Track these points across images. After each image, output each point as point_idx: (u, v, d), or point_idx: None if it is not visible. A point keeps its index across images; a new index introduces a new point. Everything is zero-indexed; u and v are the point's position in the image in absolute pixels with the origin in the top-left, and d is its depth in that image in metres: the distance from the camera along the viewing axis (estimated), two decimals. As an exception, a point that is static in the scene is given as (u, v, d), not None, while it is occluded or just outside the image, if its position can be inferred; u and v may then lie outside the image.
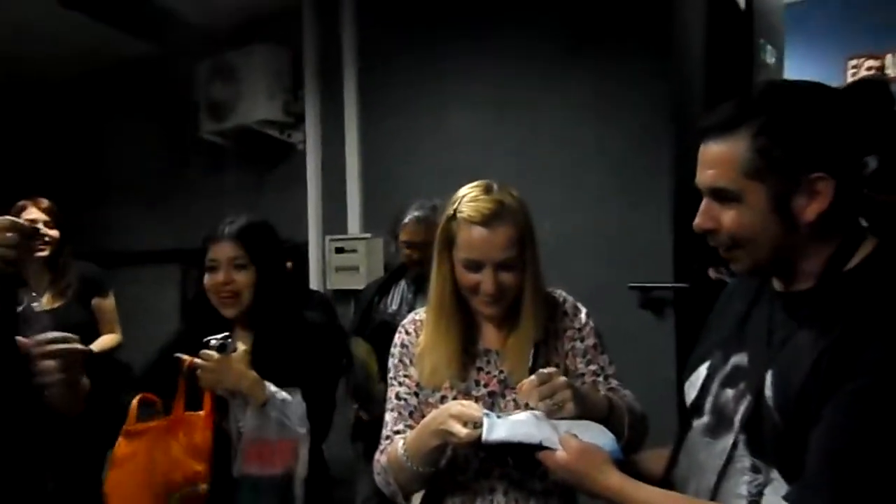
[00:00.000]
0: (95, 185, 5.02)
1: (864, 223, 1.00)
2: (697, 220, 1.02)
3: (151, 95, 4.76)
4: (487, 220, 1.30)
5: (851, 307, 0.90)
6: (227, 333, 1.60)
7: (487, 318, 1.41)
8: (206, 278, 1.66)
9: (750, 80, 3.73)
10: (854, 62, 6.39)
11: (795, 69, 4.71)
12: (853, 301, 0.90)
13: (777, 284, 1.04)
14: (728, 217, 0.97)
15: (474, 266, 1.32)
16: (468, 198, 1.34)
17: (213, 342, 1.56)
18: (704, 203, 1.01)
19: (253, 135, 4.13)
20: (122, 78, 4.93)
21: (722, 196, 0.98)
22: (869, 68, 5.03)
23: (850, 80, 6.01)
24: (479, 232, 1.31)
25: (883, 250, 0.95)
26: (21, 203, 2.76)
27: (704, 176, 0.99)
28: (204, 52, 4.23)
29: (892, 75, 5.05)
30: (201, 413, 1.59)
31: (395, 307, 2.79)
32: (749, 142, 0.94)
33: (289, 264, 3.31)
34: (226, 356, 1.56)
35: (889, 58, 6.09)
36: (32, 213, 2.72)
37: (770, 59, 4.07)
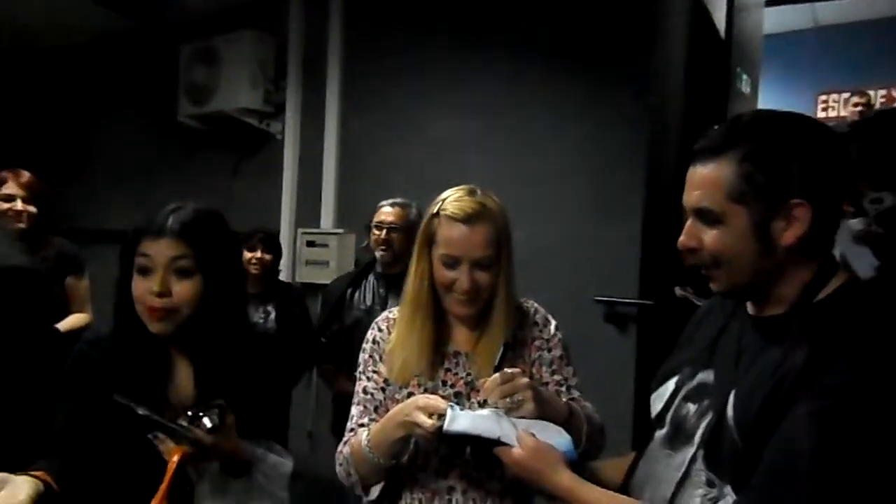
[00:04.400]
0: (67, 159, 4.93)
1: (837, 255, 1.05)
2: (681, 239, 1.06)
3: (132, 74, 4.70)
4: (469, 219, 1.36)
5: (818, 336, 0.94)
6: (220, 405, 1.23)
7: (459, 319, 1.45)
8: (136, 283, 1.29)
9: (725, 108, 3.84)
10: (824, 97, 6.61)
11: (768, 100, 4.85)
12: (820, 330, 0.95)
13: (750, 308, 1.08)
14: (710, 237, 1.02)
15: (452, 262, 1.37)
16: (452, 198, 1.40)
17: (206, 421, 1.20)
18: (689, 223, 1.05)
19: (231, 122, 4.11)
20: (102, 53, 4.85)
21: (706, 217, 1.02)
22: (856, 104, 5.23)
23: (820, 114, 6.21)
24: (459, 229, 1.36)
25: (852, 284, 1.01)
26: (2, 174, 2.72)
27: (691, 197, 1.04)
28: (188, 35, 4.20)
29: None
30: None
31: (367, 303, 2.80)
32: (735, 167, 0.98)
33: (266, 256, 3.20)
34: (221, 437, 1.21)
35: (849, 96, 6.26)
36: (11, 188, 2.68)
37: (745, 89, 4.18)
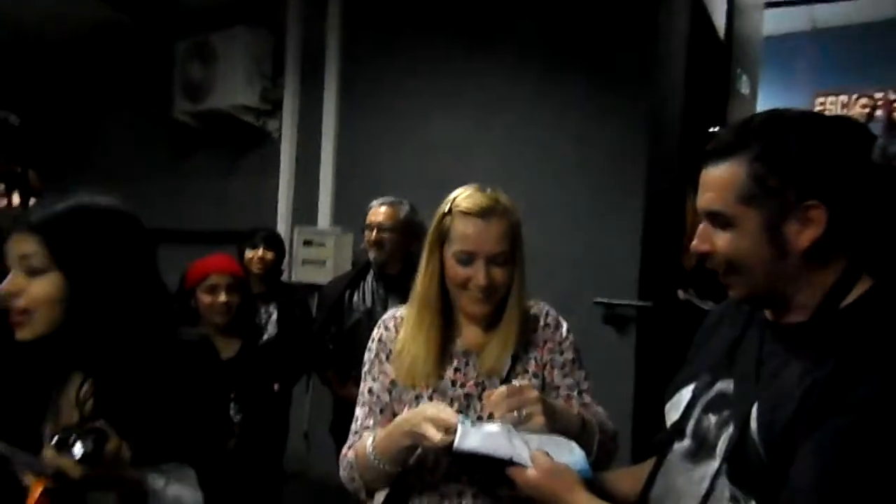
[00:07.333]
0: (59, 157, 4.87)
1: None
2: (694, 243, 1.03)
3: (126, 70, 4.65)
4: (484, 213, 1.35)
5: (844, 345, 0.90)
6: (98, 429, 1.02)
7: (471, 318, 1.42)
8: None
9: (725, 109, 3.82)
10: (821, 99, 6.61)
11: (766, 102, 4.84)
12: (846, 339, 0.91)
13: (769, 315, 1.04)
14: (722, 241, 0.99)
15: (467, 259, 1.35)
16: (464, 195, 1.39)
17: (76, 449, 0.98)
18: (702, 226, 1.02)
19: (227, 119, 4.08)
20: (94, 48, 4.79)
21: (717, 220, 0.99)
22: (864, 105, 5.25)
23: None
24: (475, 224, 1.34)
25: (879, 290, 0.96)
26: None
27: (703, 199, 1.01)
28: (184, 30, 4.15)
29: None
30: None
31: (368, 304, 2.77)
32: (746, 167, 0.95)
33: (268, 255, 3.12)
34: (94, 467, 1.00)
35: (854, 97, 6.31)
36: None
37: (745, 90, 4.16)
